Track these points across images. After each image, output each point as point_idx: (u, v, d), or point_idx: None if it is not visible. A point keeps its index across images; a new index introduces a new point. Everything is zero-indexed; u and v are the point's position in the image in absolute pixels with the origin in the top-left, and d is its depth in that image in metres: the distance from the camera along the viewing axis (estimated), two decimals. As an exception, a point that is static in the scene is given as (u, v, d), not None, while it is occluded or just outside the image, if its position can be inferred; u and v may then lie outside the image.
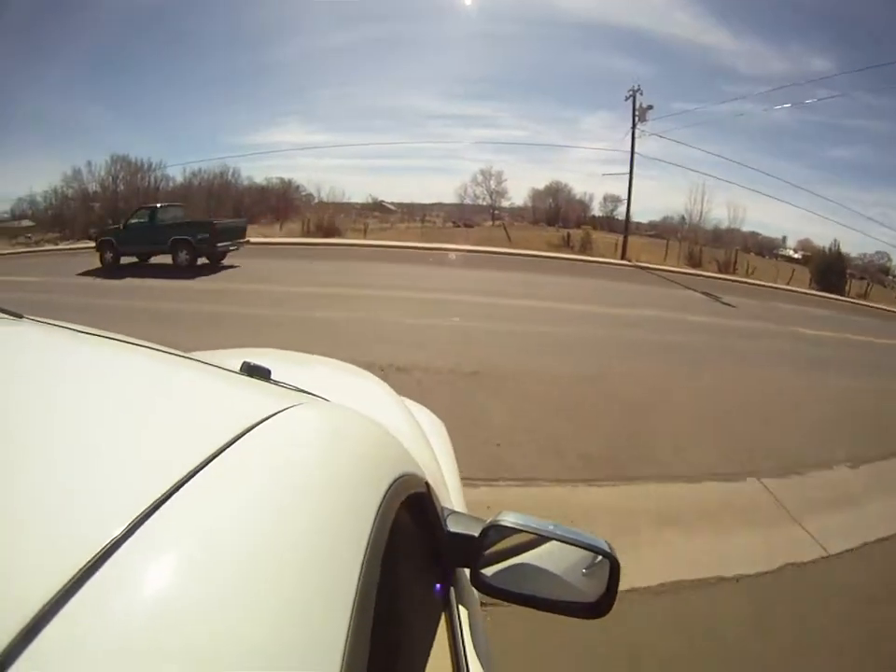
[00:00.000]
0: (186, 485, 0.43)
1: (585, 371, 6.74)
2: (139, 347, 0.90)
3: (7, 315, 0.87)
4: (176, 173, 31.60)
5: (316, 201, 31.17)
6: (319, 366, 2.16)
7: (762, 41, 41.01)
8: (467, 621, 0.94)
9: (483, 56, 40.97)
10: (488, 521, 0.91)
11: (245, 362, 1.08)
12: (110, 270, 14.18)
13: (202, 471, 0.45)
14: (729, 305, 14.51)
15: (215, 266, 14.55)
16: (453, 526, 0.97)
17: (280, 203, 32.29)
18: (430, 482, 0.92)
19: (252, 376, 1.00)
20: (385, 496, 0.61)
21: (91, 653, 0.30)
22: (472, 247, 21.51)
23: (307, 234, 25.61)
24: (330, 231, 25.72)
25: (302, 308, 9.53)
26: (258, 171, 36.85)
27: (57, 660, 0.29)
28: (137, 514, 0.38)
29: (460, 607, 0.95)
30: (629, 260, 22.43)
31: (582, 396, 5.89)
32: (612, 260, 22.33)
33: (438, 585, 0.96)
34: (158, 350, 0.92)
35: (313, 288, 11.57)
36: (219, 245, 14.54)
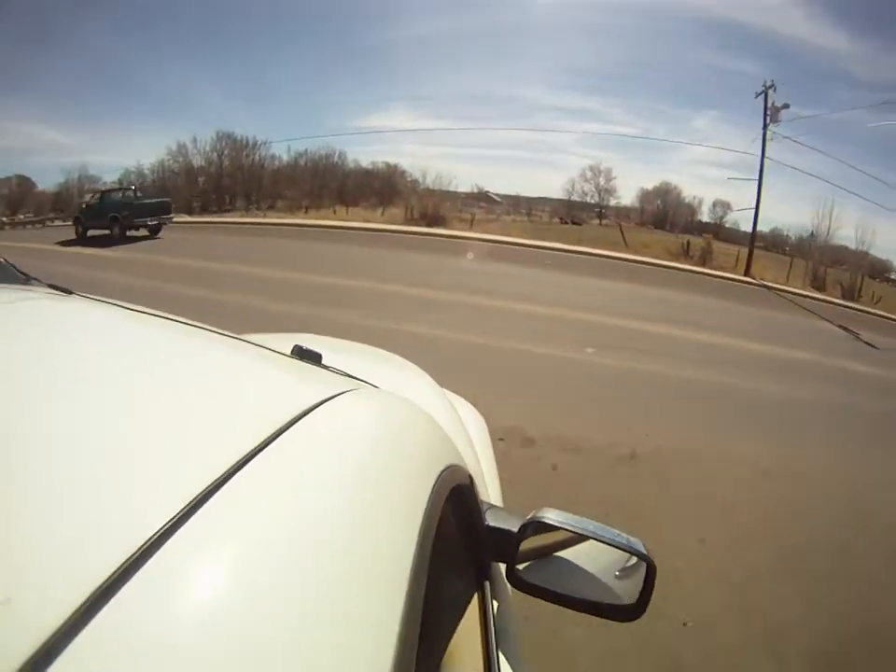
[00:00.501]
0: (244, 468, 0.42)
1: (771, 456, 4.82)
2: (189, 327, 0.88)
3: (56, 291, 0.87)
4: (282, 151, 31.92)
5: (421, 187, 30.74)
6: (361, 353, 2.11)
7: (884, 46, 36.85)
8: (498, 616, 0.92)
9: (592, 48, 39.19)
10: (528, 517, 0.90)
11: (296, 345, 1.07)
12: (82, 239, 18.37)
13: (258, 456, 0.44)
14: (871, 346, 12.98)
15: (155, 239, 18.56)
16: (492, 520, 0.95)
17: (385, 187, 32.16)
18: (470, 473, 0.91)
19: (303, 360, 0.99)
20: (434, 486, 0.61)
21: (133, 655, 0.28)
22: (589, 250, 20.38)
23: (410, 221, 24.39)
24: (435, 220, 24.30)
25: (389, 317, 8.09)
26: (364, 155, 36.62)
27: (96, 664, 0.27)
28: (186, 504, 0.36)
29: (493, 601, 0.93)
30: (753, 278, 20.72)
31: (787, 511, 3.90)
32: (736, 276, 20.61)
33: (472, 579, 0.94)
34: (208, 330, 0.90)
35: (404, 288, 10.43)
36: (138, 220, 18.27)
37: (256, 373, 0.73)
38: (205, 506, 0.37)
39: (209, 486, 0.38)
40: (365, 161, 33.25)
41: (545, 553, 0.96)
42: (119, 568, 0.30)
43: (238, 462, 0.42)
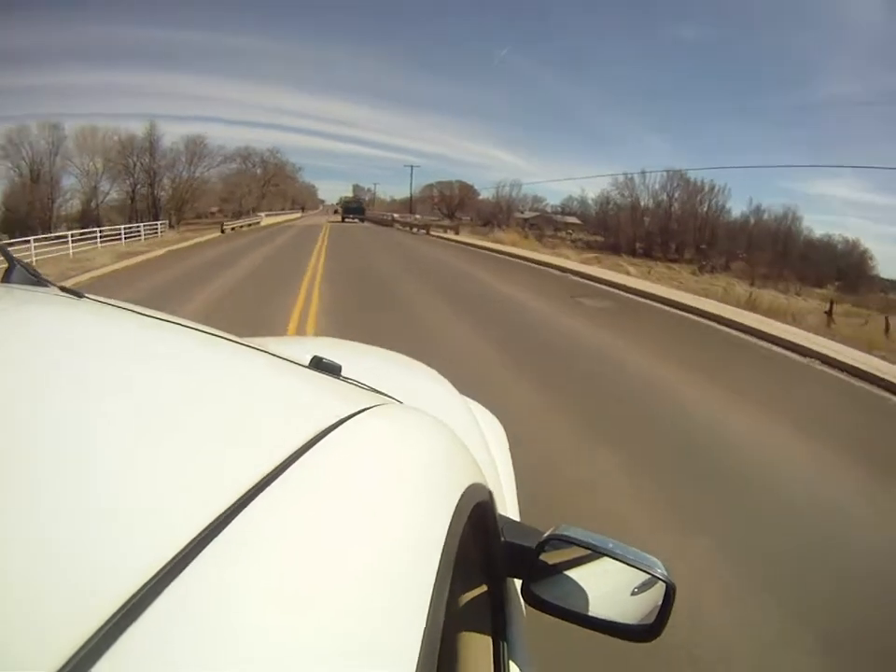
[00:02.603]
0: (262, 493, 0.40)
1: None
2: (202, 334, 0.85)
3: (66, 294, 0.86)
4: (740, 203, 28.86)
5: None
6: (381, 359, 2.01)
7: None
8: (511, 632, 0.91)
9: None
10: (546, 533, 0.88)
11: (315, 357, 1.04)
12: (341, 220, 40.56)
13: (276, 480, 0.42)
14: None
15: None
16: (509, 536, 0.93)
17: (846, 267, 26.67)
18: (490, 488, 0.89)
19: (322, 371, 0.97)
20: (456, 507, 0.60)
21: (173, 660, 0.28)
22: None
23: None
24: None
25: None
26: (812, 223, 32.09)
27: (139, 665, 0.27)
28: (196, 534, 0.34)
29: (506, 620, 0.92)
30: None
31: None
32: None
33: (486, 594, 0.92)
34: (223, 338, 0.87)
35: None
36: (347, 213, 41.98)
37: (272, 389, 0.69)
38: (218, 536, 0.34)
39: (221, 515, 0.36)
40: (817, 230, 28.55)
41: (561, 569, 0.92)
42: (117, 612, 0.28)
43: (255, 486, 0.40)
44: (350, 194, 55.42)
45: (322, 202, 64.26)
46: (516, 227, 31.68)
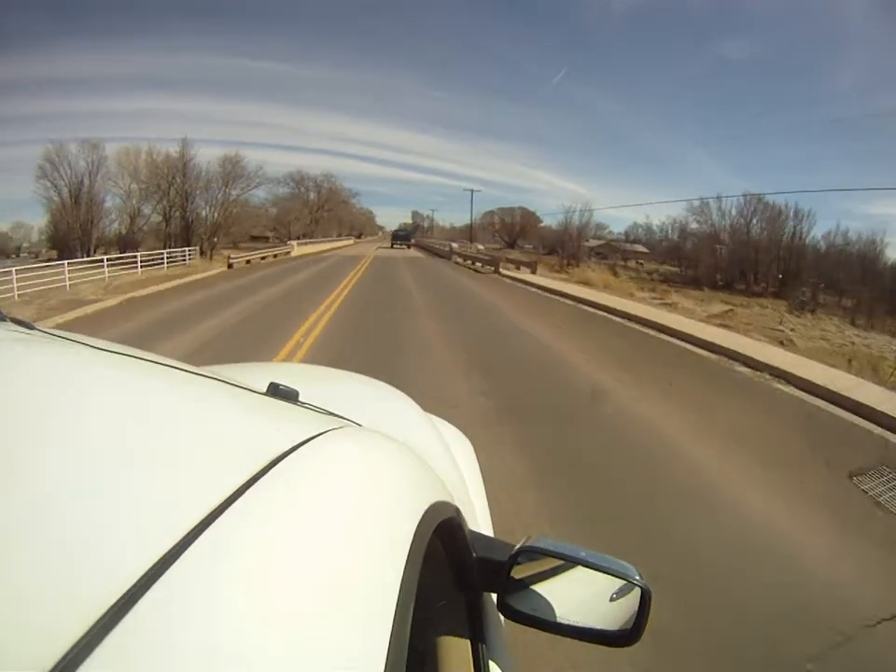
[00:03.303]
0: (216, 522, 0.40)
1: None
2: (156, 365, 0.83)
3: (18, 327, 0.85)
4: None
5: None
6: (343, 382, 2.02)
7: None
8: (491, 647, 0.91)
9: None
10: (517, 546, 0.88)
11: (271, 383, 1.02)
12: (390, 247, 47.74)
13: (230, 508, 0.43)
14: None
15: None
16: (480, 551, 0.93)
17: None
18: (458, 504, 0.88)
19: (279, 398, 0.96)
20: (417, 526, 0.60)
21: None
22: None
23: None
24: None
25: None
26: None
27: None
28: (154, 563, 0.35)
29: (485, 633, 0.92)
30: None
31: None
32: None
33: (463, 611, 0.93)
34: (176, 368, 0.85)
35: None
36: (395, 240, 48.16)
37: (226, 417, 0.69)
38: (173, 566, 0.35)
39: (176, 545, 0.37)
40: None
41: (536, 580, 0.91)
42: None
43: (209, 516, 0.40)
44: (409, 220, 57.81)
45: (381, 228, 65.40)
46: (587, 258, 30.33)
